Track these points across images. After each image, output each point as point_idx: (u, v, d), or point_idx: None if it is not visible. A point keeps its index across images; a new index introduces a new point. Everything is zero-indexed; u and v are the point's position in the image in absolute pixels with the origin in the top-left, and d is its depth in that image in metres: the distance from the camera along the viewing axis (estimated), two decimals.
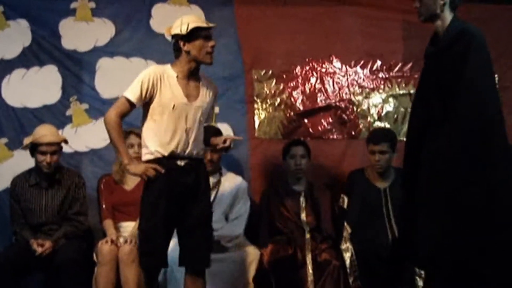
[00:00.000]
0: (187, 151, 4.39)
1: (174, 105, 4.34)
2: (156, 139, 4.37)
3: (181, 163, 4.39)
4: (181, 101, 4.37)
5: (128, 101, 4.34)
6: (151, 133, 4.40)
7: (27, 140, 5.27)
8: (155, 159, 4.36)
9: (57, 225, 5.26)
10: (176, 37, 4.38)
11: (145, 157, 4.41)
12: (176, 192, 4.35)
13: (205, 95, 4.48)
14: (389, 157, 5.31)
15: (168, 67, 4.44)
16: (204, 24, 4.37)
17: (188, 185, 4.39)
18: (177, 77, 4.40)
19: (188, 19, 4.37)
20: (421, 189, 3.81)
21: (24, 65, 5.81)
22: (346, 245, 5.14)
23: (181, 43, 4.35)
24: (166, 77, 4.38)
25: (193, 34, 4.32)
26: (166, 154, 4.35)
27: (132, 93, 4.33)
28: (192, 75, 4.44)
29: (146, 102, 4.36)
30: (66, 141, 5.32)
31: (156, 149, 4.36)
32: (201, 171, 4.50)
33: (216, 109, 5.82)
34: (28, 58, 5.85)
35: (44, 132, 5.19)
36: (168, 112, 4.35)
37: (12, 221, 5.31)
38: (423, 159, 3.79)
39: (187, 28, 4.29)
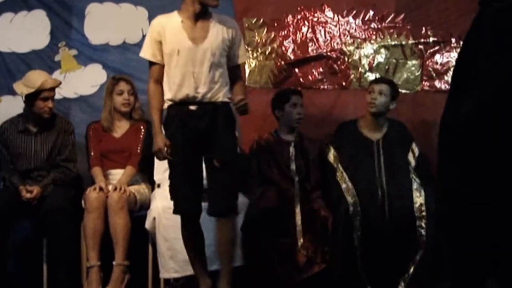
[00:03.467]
0: (199, 95, 4.36)
1: (178, 50, 4.32)
2: (168, 86, 4.39)
3: (193, 107, 4.38)
4: (186, 45, 4.34)
5: (152, 63, 4.41)
6: (165, 80, 4.42)
7: (21, 87, 5.19)
8: (170, 106, 4.41)
9: (46, 172, 5.26)
10: None
11: (165, 104, 4.45)
12: (191, 137, 4.37)
13: (215, 35, 4.40)
14: (386, 102, 5.24)
15: (174, 14, 4.43)
16: None
17: (201, 129, 4.38)
18: (182, 21, 4.36)
19: None
20: None
21: (11, 9, 5.75)
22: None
23: None
24: (170, 25, 4.37)
25: None
26: (177, 100, 4.37)
27: (148, 53, 4.41)
28: (200, 17, 4.39)
29: None
30: (60, 84, 5.33)
31: (168, 96, 4.40)
32: (218, 115, 4.43)
33: None
34: (16, 2, 5.79)
35: (44, 78, 5.16)
36: (175, 58, 4.34)
37: (0, 167, 5.29)
38: None
39: None
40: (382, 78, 5.53)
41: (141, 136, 5.40)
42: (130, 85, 5.39)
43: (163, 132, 4.42)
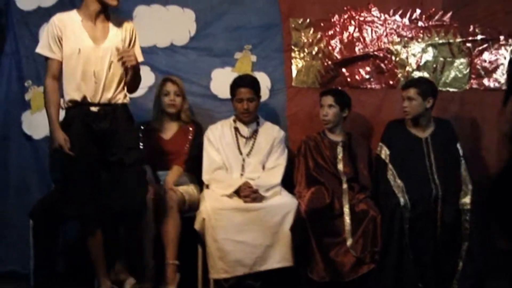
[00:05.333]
0: (100, 96, 4.43)
1: (79, 49, 4.38)
2: (69, 85, 4.42)
3: (94, 109, 4.45)
4: (87, 44, 4.41)
5: (48, 58, 4.42)
6: (65, 80, 4.44)
7: None
8: (70, 106, 4.43)
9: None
10: None
11: (64, 104, 4.47)
12: (92, 138, 4.41)
13: (115, 35, 4.49)
14: (417, 104, 5.24)
15: (73, 13, 4.49)
16: None
17: (103, 131, 4.44)
18: (82, 21, 4.42)
19: None
20: None
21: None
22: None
23: None
24: (71, 23, 4.42)
25: None
26: (79, 99, 4.41)
27: (46, 49, 4.42)
28: (99, 17, 4.46)
29: None
30: None
31: (68, 95, 4.42)
32: (119, 117, 4.52)
33: (253, 58, 5.84)
34: (66, 6, 5.79)
35: None
36: (75, 57, 4.39)
37: (51, 169, 5.35)
38: None
39: None
40: (407, 82, 5.46)
41: (190, 136, 5.44)
42: (176, 86, 5.42)
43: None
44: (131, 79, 4.59)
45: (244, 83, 5.34)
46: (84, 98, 4.41)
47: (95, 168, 4.48)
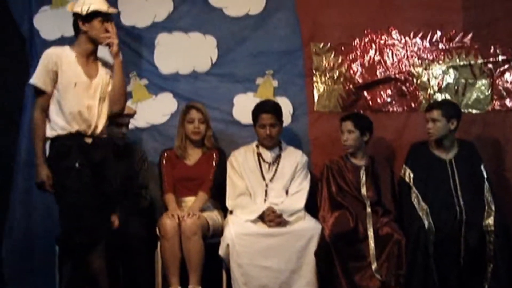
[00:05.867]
0: (92, 128, 4.51)
1: (75, 83, 4.46)
2: (62, 116, 4.46)
3: (88, 140, 4.52)
4: (82, 79, 4.50)
5: (40, 91, 4.47)
6: (59, 112, 4.47)
7: None
8: (63, 136, 4.46)
9: (120, 199, 5.32)
10: (75, 15, 4.51)
11: (55, 132, 4.48)
12: (88, 168, 4.46)
13: (104, 73, 4.59)
14: (441, 126, 5.23)
15: (66, 48, 4.59)
16: (104, 8, 4.51)
17: (95, 163, 4.51)
18: (75, 56, 4.52)
19: (93, 0, 4.49)
20: None
21: None
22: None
23: (80, 23, 4.49)
24: (66, 57, 4.50)
25: (92, 15, 4.47)
26: (73, 131, 4.46)
27: (40, 81, 4.46)
28: (91, 56, 4.58)
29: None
30: (135, 113, 5.52)
31: (62, 127, 4.46)
32: (108, 150, 4.64)
33: (275, 83, 5.86)
34: None
35: None
36: (71, 90, 4.46)
37: None
38: None
39: (88, 10, 4.44)
40: (431, 104, 5.45)
41: (214, 163, 5.46)
42: (201, 114, 5.44)
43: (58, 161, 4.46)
44: (119, 78, 4.62)
45: (266, 109, 5.36)
46: (79, 129, 4.48)
47: (92, 199, 4.49)
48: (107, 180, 4.57)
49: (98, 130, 4.54)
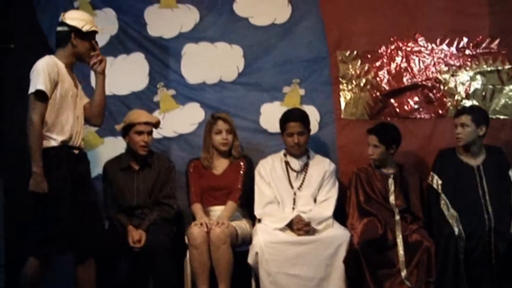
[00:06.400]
0: (78, 139, 4.59)
1: (71, 94, 4.53)
2: (59, 127, 4.49)
3: (76, 152, 4.59)
4: (74, 90, 4.58)
5: (42, 100, 4.41)
6: (55, 122, 4.48)
7: (119, 126, 5.41)
8: (57, 148, 4.48)
9: (148, 209, 5.36)
10: (70, 27, 4.52)
11: (48, 143, 4.46)
12: (74, 180, 4.50)
13: (78, 84, 4.69)
14: (470, 132, 5.20)
15: (56, 59, 4.57)
16: (99, 28, 4.65)
17: (81, 173, 4.59)
18: (65, 67, 4.56)
19: (89, 19, 4.61)
20: None
21: (112, 54, 5.87)
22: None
23: (73, 35, 4.52)
24: (62, 68, 4.53)
25: (88, 34, 4.55)
26: (69, 143, 4.53)
27: (47, 88, 4.41)
28: (72, 68, 4.64)
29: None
30: (159, 123, 5.47)
31: (58, 138, 4.48)
32: (86, 160, 4.75)
33: (302, 92, 5.88)
34: (115, 47, 5.96)
35: (140, 113, 5.36)
36: (66, 100, 4.51)
37: (105, 206, 5.41)
38: None
39: (89, 29, 4.53)
40: (460, 109, 5.43)
41: (241, 171, 5.47)
42: (228, 124, 5.45)
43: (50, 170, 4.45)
44: (103, 93, 4.70)
45: (294, 117, 5.37)
46: (68, 140, 4.52)
47: (77, 210, 4.54)
48: (89, 190, 4.69)
49: (82, 142, 4.65)
